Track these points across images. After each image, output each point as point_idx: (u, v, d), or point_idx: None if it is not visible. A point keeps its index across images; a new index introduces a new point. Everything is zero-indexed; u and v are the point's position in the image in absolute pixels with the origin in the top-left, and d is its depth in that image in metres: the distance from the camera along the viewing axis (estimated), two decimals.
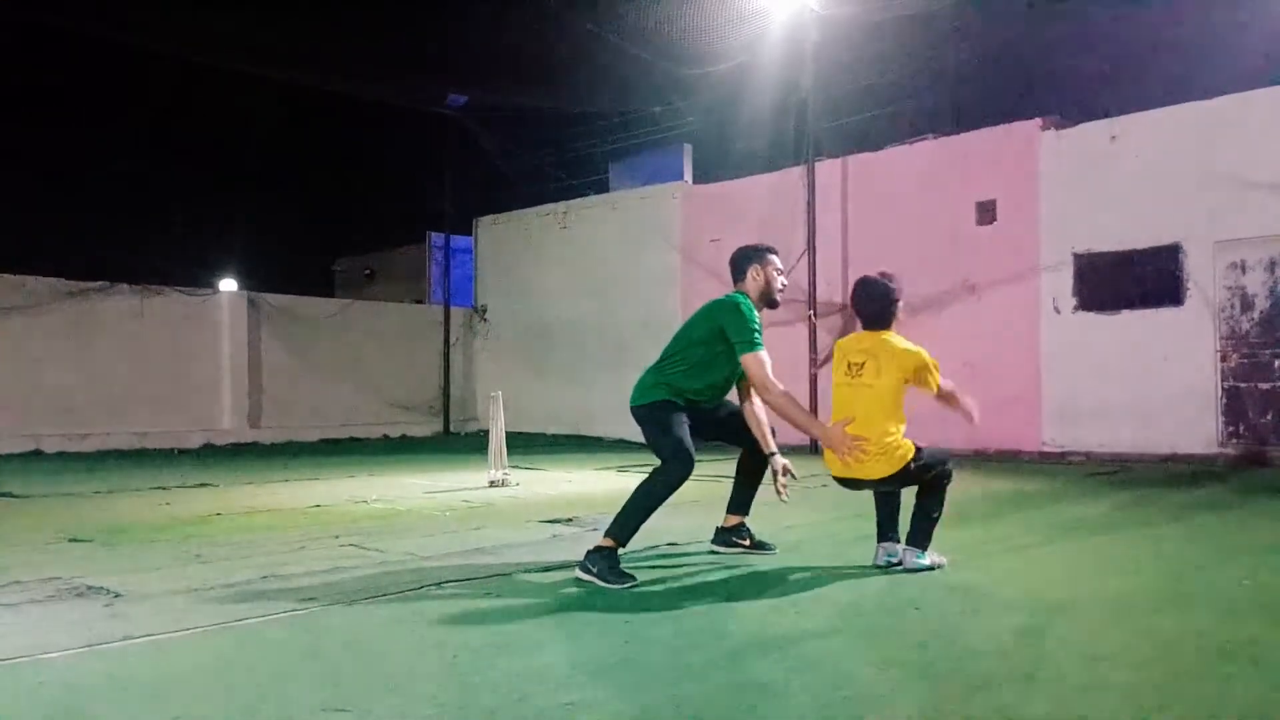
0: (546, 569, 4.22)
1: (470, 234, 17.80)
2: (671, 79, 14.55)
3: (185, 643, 3.07)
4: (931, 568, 4.06)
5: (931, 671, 2.69)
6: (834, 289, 12.62)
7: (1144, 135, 10.35)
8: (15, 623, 3.32)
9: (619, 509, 4.07)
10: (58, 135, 19.09)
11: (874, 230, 12.42)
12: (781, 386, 4.19)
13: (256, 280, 18.30)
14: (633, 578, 3.86)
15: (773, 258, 4.54)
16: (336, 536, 5.17)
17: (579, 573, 3.92)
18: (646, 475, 4.11)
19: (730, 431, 4.49)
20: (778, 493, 4.24)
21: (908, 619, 3.32)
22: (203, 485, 8.25)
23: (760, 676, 2.64)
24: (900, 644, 3.00)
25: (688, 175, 15.28)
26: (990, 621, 3.28)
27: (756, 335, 4.24)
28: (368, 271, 23.81)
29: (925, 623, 3.26)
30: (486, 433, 8.75)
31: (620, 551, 4.00)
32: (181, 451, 13.73)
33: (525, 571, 4.20)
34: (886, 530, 4.24)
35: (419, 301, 20.32)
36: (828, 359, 12.51)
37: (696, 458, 4.08)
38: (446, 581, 3.95)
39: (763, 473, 4.54)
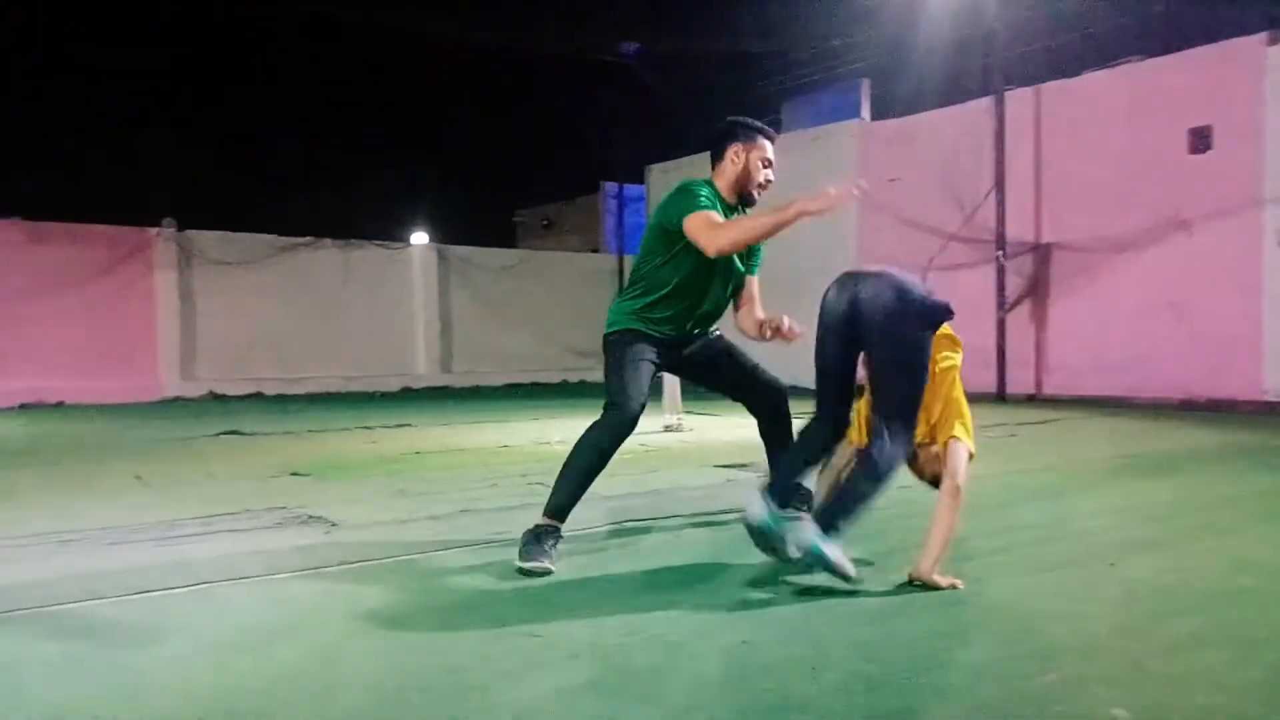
0: (726, 511, 4.30)
1: (643, 182, 17.97)
2: (848, 10, 14.01)
3: (393, 568, 3.36)
4: (829, 562, 2.82)
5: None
6: (1025, 228, 11.93)
7: None
8: (251, 544, 3.73)
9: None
10: (265, 105, 20.64)
11: (1070, 164, 11.60)
12: (726, 224, 3.34)
13: (444, 233, 19.27)
14: (546, 569, 3.13)
15: (764, 142, 3.60)
16: (524, 475, 5.46)
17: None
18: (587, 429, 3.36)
19: (723, 379, 3.61)
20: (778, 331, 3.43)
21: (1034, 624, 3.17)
22: (402, 425, 8.90)
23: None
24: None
25: (865, 112, 14.73)
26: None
27: (700, 201, 3.38)
28: (545, 222, 24.52)
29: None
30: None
31: (561, 529, 3.28)
32: (382, 394, 14.78)
33: (703, 516, 4.29)
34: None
35: (594, 250, 20.78)
36: (1017, 303, 11.89)
37: (646, 404, 3.34)
38: (626, 520, 4.11)
39: (784, 428, 3.64)
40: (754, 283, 3.78)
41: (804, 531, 2.84)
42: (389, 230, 18.25)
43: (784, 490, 3.05)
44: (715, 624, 2.62)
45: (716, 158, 3.61)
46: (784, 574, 3.07)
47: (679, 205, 3.41)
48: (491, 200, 25.12)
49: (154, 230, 14.31)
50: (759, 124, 3.62)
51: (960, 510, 2.98)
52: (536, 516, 3.35)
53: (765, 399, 3.67)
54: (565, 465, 3.35)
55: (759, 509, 2.97)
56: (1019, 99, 11.99)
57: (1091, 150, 11.34)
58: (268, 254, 15.14)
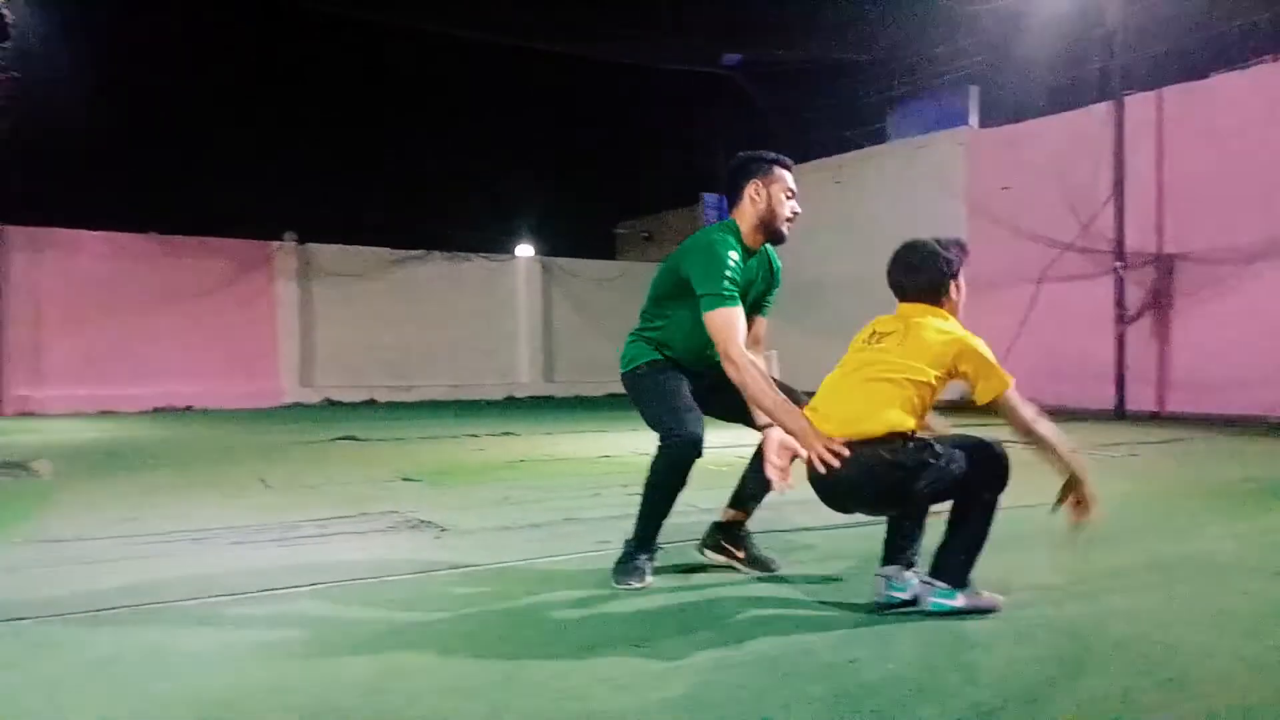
0: (826, 529, 4.25)
1: None
2: (954, 15, 13.70)
3: (499, 574, 3.45)
4: (964, 610, 2.80)
5: None
6: (1146, 238, 11.41)
7: None
8: (365, 548, 3.88)
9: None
10: (380, 123, 21.47)
11: (1197, 171, 11.05)
12: (750, 357, 3.11)
13: (548, 245, 19.62)
14: (639, 588, 3.16)
15: (783, 173, 3.33)
16: (625, 485, 5.51)
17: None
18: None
19: (729, 407, 3.33)
20: (770, 480, 2.97)
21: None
22: (507, 434, 9.10)
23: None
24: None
25: (973, 119, 14.36)
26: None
27: (725, 286, 3.14)
28: (645, 234, 24.70)
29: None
30: None
31: (647, 557, 3.26)
32: (487, 402, 15.13)
33: (800, 530, 4.25)
34: (897, 549, 2.96)
35: None
36: (1137, 316, 11.38)
37: (703, 421, 3.21)
38: None
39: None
40: (762, 324, 3.51)
41: (926, 595, 2.82)
42: (495, 243, 18.72)
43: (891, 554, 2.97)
44: (819, 641, 2.60)
45: (734, 199, 3.36)
46: (888, 604, 3.01)
47: (702, 271, 3.19)
48: (593, 213, 25.46)
49: (276, 243, 15.03)
50: (773, 155, 3.37)
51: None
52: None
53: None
54: (642, 508, 3.25)
55: (880, 587, 2.91)
56: (1139, 103, 11.49)
57: (1222, 156, 10.78)
58: (381, 266, 15.72)
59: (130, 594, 3.11)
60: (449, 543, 3.98)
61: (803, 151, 16.62)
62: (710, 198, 20.70)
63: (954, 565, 2.80)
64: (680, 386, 3.30)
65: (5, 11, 13.03)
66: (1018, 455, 2.90)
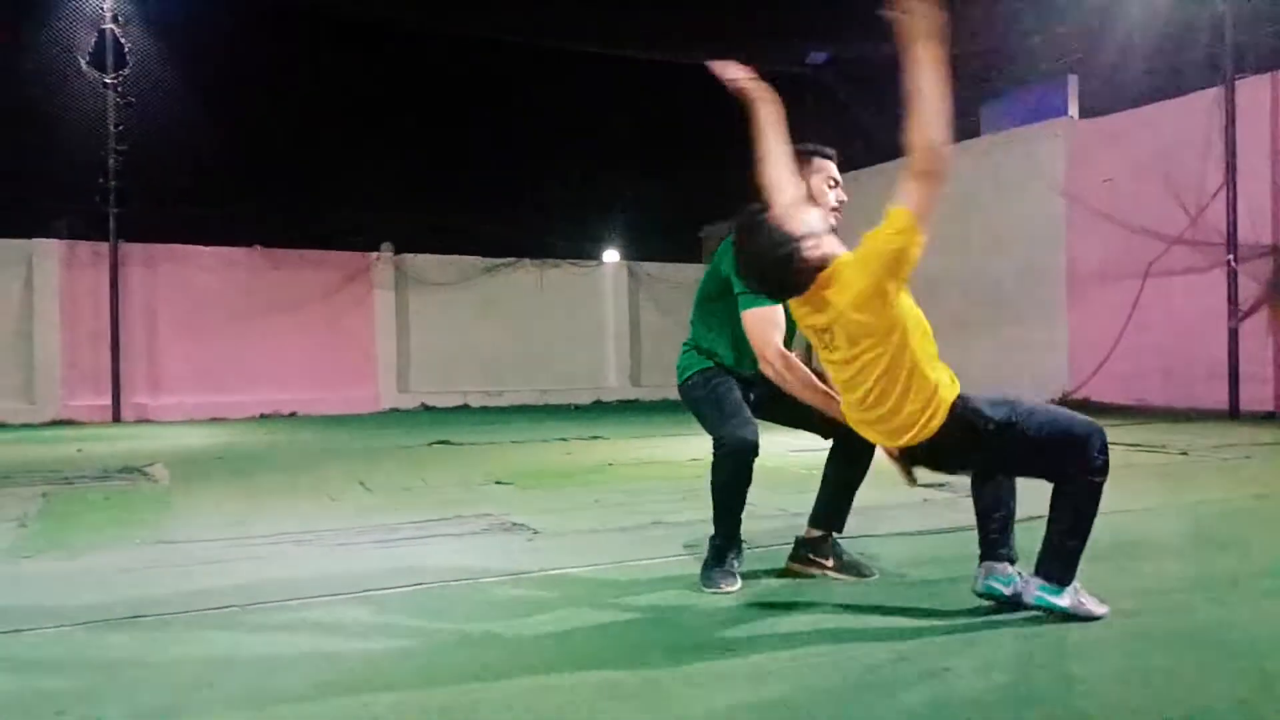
0: (920, 533, 4.17)
1: None
2: (1051, 2, 13.26)
3: (590, 576, 3.49)
4: (1069, 612, 2.69)
5: None
6: (1261, 229, 10.83)
7: None
8: (461, 550, 3.98)
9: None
10: (468, 134, 21.97)
11: None
12: (786, 357, 3.09)
13: (634, 250, 19.74)
14: (729, 590, 3.16)
15: (824, 162, 3.26)
16: None
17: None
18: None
19: (793, 413, 3.25)
20: (907, 477, 2.90)
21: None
22: (595, 437, 9.19)
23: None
24: None
25: (1073, 110, 13.84)
26: None
27: None
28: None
29: None
30: None
31: (734, 556, 3.27)
32: (576, 407, 15.30)
33: (897, 535, 4.18)
34: (992, 544, 2.85)
35: None
36: (1252, 311, 10.81)
37: (755, 426, 3.19)
38: None
39: (860, 471, 3.34)
40: None
41: (1031, 590, 2.73)
42: (582, 249, 18.92)
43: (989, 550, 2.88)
44: (915, 648, 2.55)
45: None
46: (989, 594, 2.94)
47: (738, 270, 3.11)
48: (679, 217, 25.49)
49: (373, 255, 15.52)
50: (813, 145, 3.29)
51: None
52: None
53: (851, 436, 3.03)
54: (715, 510, 3.28)
55: (981, 576, 2.84)
56: (1252, 86, 10.92)
57: None
58: (473, 274, 16.07)
59: (242, 593, 3.26)
60: (540, 545, 4.05)
61: (891, 150, 16.30)
62: None
63: (1058, 559, 2.68)
64: (729, 392, 3.28)
65: (124, 40, 13.82)
66: (1118, 457, 2.79)
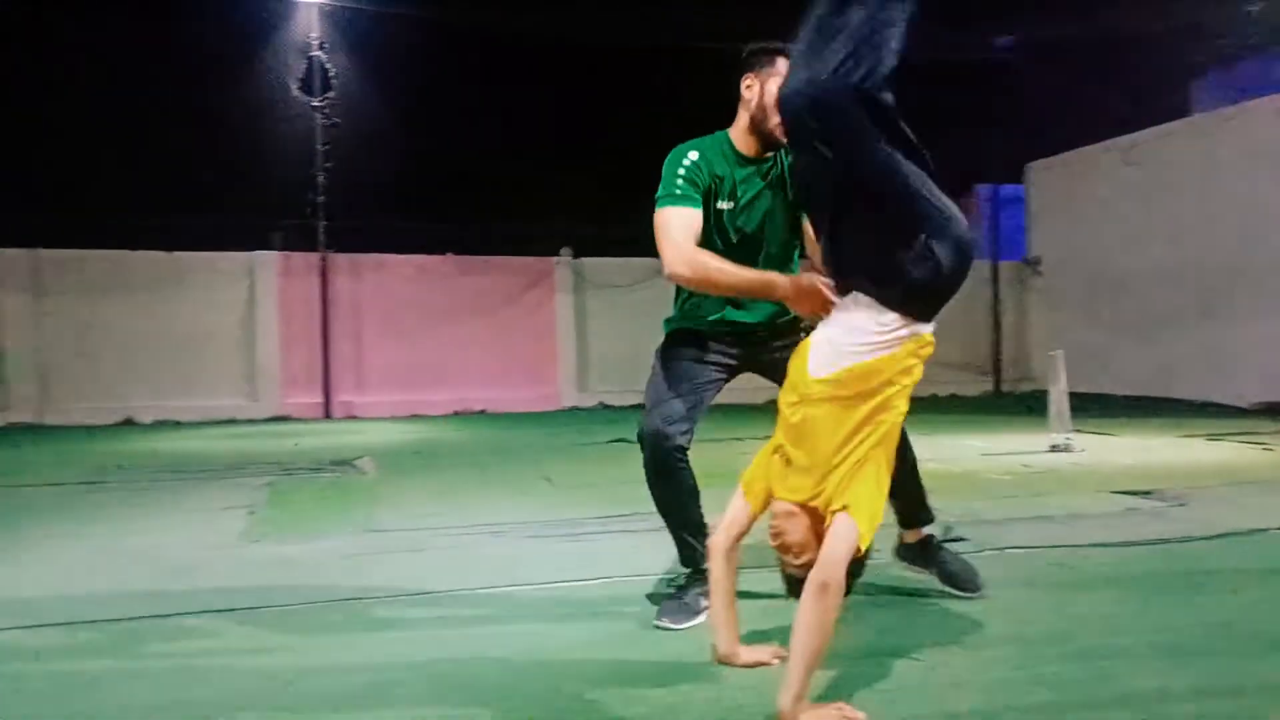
0: (1125, 544, 3.93)
1: (1020, 182, 16.80)
2: None
3: (768, 577, 3.51)
4: None
5: None
6: None
7: None
8: (643, 545, 4.10)
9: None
10: (637, 141, 22.38)
11: None
12: (689, 254, 2.72)
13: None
14: (677, 629, 2.80)
15: (782, 63, 2.75)
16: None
17: None
18: None
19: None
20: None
21: None
22: (769, 437, 9.13)
23: None
24: None
25: None
26: None
27: (674, 185, 2.81)
28: None
29: None
30: (1041, 393, 8.31)
31: (699, 592, 2.89)
32: (751, 406, 15.25)
33: (1098, 546, 3.95)
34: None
35: None
36: None
37: (678, 416, 2.86)
38: (1008, 547, 3.92)
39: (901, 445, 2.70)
40: (815, 245, 2.88)
41: None
42: None
43: None
44: (1119, 667, 2.43)
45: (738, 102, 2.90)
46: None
47: (662, 179, 2.85)
48: None
49: (554, 259, 16.12)
50: (777, 44, 2.80)
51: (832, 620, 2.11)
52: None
53: None
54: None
55: None
56: None
57: None
58: (645, 276, 16.31)
59: (445, 579, 3.51)
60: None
61: (1090, 132, 15.30)
62: (983, 189, 19.60)
63: None
64: (675, 367, 2.97)
65: (329, 65, 15.00)
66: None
